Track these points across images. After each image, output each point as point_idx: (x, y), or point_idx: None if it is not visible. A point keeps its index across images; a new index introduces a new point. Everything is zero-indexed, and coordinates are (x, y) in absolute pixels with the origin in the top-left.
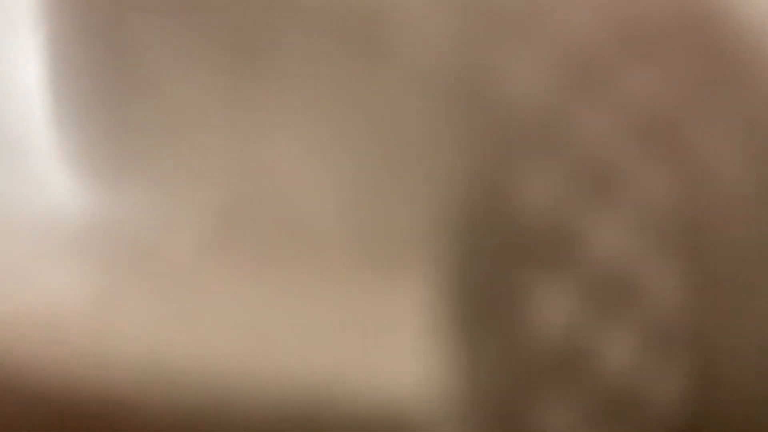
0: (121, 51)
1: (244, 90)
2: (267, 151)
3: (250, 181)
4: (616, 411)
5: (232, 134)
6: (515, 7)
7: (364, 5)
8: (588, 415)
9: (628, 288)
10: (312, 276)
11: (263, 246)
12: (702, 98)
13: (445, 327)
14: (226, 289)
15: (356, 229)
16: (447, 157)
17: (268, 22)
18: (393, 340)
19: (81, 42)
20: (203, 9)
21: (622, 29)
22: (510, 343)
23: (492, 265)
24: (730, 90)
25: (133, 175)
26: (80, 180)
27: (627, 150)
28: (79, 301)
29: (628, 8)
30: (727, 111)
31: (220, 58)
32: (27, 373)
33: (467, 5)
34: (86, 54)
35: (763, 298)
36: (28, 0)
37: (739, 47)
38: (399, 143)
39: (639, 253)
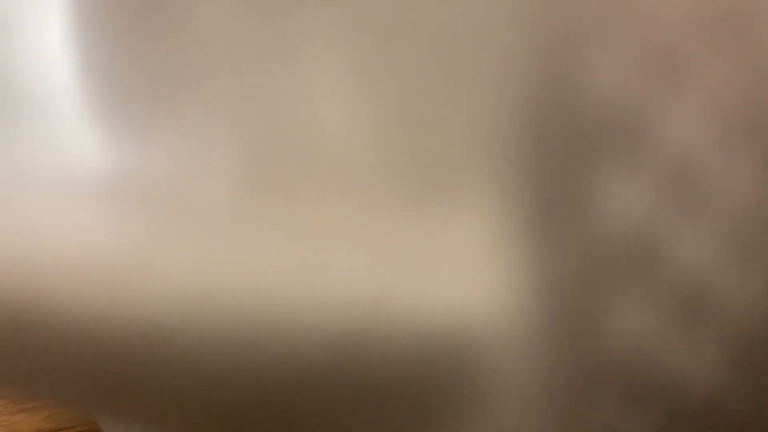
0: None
1: (272, 22)
2: (299, 86)
3: (282, 119)
4: (693, 313)
5: (261, 71)
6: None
7: None
8: (662, 319)
9: (700, 178)
10: (351, 208)
11: (299, 184)
12: None
13: (508, 240)
14: (262, 230)
15: (400, 159)
16: (498, 71)
17: None
18: (452, 261)
19: None
20: None
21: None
22: (578, 248)
23: (557, 164)
24: None
25: (161, 123)
26: (109, 132)
27: (698, 45)
28: (114, 248)
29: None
30: None
31: None
32: (62, 317)
33: None
34: (109, 4)
35: None
36: None
37: None
38: (445, 60)
39: (710, 141)
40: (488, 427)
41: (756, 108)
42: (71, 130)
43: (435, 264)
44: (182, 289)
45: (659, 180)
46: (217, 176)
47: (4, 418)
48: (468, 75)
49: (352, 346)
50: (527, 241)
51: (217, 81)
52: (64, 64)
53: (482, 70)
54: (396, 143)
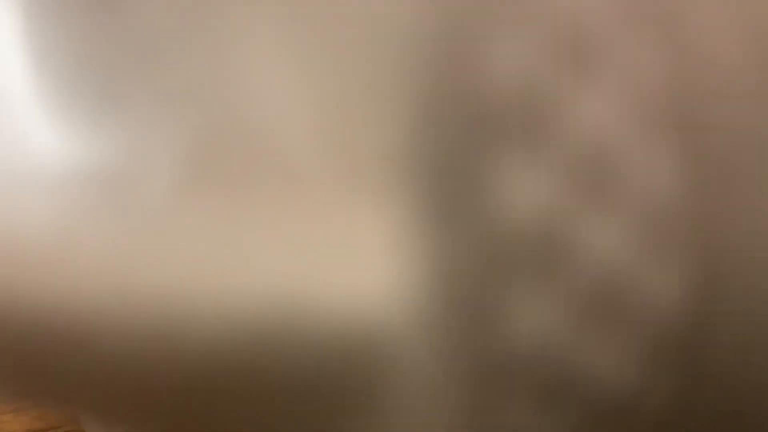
0: None
1: (214, 16)
2: (241, 73)
3: (223, 106)
4: (602, 310)
5: (204, 65)
6: None
7: None
8: (570, 314)
9: (613, 167)
10: (285, 195)
11: (238, 171)
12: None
13: (408, 231)
14: (202, 219)
15: (327, 152)
16: (417, 72)
17: None
18: (363, 255)
19: None
20: None
21: None
22: (481, 237)
23: (458, 152)
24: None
25: (107, 115)
26: (58, 119)
27: (614, 24)
28: (55, 238)
29: None
30: None
31: None
32: (4, 299)
33: None
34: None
35: (766, 186)
36: None
37: None
38: (371, 59)
39: (626, 129)
40: (388, 426)
41: (675, 93)
42: (19, 123)
43: (338, 258)
44: (117, 282)
45: (567, 169)
46: (160, 165)
47: None
48: (368, 60)
49: (257, 341)
50: (428, 233)
51: (159, 70)
52: (13, 57)
53: (380, 54)
54: (321, 137)
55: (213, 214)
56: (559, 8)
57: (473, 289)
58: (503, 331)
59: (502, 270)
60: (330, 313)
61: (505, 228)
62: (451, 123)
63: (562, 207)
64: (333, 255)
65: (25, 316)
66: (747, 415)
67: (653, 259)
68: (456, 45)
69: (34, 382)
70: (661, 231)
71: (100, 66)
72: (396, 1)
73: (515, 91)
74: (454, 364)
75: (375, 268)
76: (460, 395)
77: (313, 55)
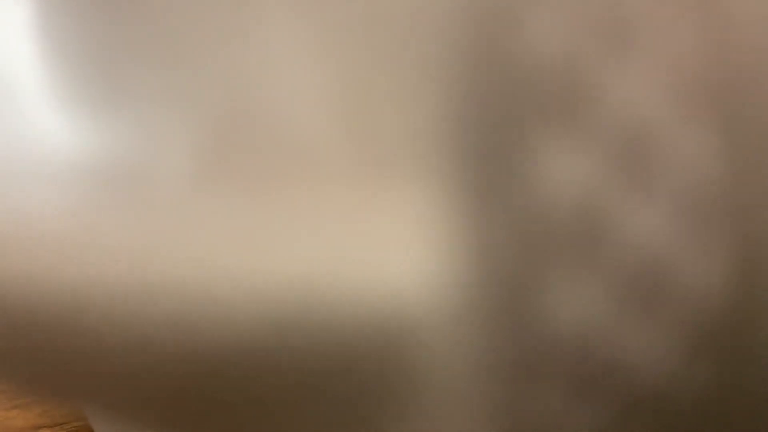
0: None
1: (230, 2)
2: (257, 66)
3: (238, 95)
4: (642, 296)
5: (220, 51)
6: None
7: None
8: (609, 300)
9: (654, 149)
10: (307, 185)
11: (257, 159)
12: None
13: (445, 215)
14: (218, 210)
15: (351, 135)
16: (442, 55)
17: None
18: (392, 244)
19: None
20: None
21: None
22: (517, 221)
23: (495, 133)
24: None
25: (122, 104)
26: (70, 112)
27: (656, 1)
28: (73, 227)
29: None
30: None
31: None
32: (14, 293)
33: None
34: None
35: None
36: None
37: None
38: (394, 42)
39: (668, 110)
40: (422, 415)
41: (715, 74)
42: (32, 113)
43: (364, 247)
44: (136, 270)
45: (607, 150)
46: (176, 153)
47: None
48: (406, 43)
49: (292, 326)
50: (461, 219)
51: (175, 56)
52: (25, 47)
53: (419, 36)
54: (343, 120)
55: (231, 205)
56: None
57: (509, 275)
58: (539, 318)
59: (539, 255)
60: (358, 303)
61: (541, 212)
62: (485, 103)
63: (601, 190)
64: (359, 244)
65: (35, 310)
66: None
67: (694, 244)
68: (491, 22)
69: (42, 377)
70: (703, 215)
71: (112, 58)
72: None
73: (553, 69)
74: (489, 352)
75: (405, 257)
76: (495, 384)
77: (334, 38)
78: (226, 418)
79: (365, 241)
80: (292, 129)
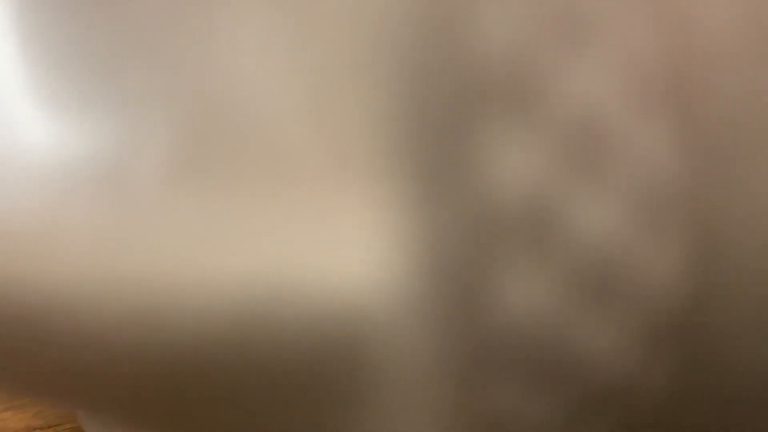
0: None
1: (200, 5)
2: (231, 60)
3: (212, 97)
4: (597, 291)
5: (190, 49)
6: None
7: None
8: (563, 294)
9: (608, 142)
10: (274, 182)
11: (227, 161)
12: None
13: (391, 208)
14: (191, 208)
15: (315, 138)
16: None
17: None
18: (351, 238)
19: None
20: None
21: None
22: (471, 216)
23: (443, 122)
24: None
25: (97, 99)
26: (46, 111)
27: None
28: (44, 230)
29: None
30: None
31: None
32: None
33: None
34: None
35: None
36: None
37: None
38: (353, 58)
39: (621, 102)
40: (377, 411)
41: (671, 67)
42: (8, 112)
43: (326, 242)
44: (113, 267)
45: (560, 144)
46: (150, 152)
47: None
48: (352, 42)
49: (246, 329)
50: (416, 213)
51: (151, 63)
52: (2, 47)
53: (364, 34)
54: (310, 118)
55: (202, 203)
56: None
57: (463, 270)
58: (494, 312)
59: (493, 249)
60: (318, 297)
61: (495, 206)
62: (438, 98)
63: (554, 184)
64: (321, 240)
65: (16, 309)
66: (746, 399)
67: (649, 238)
68: (441, 18)
69: (28, 376)
70: (658, 208)
71: (89, 58)
72: None
73: (505, 64)
74: (444, 347)
75: (363, 252)
76: (451, 379)
77: (302, 43)
78: (192, 414)
79: (327, 238)
80: (261, 129)
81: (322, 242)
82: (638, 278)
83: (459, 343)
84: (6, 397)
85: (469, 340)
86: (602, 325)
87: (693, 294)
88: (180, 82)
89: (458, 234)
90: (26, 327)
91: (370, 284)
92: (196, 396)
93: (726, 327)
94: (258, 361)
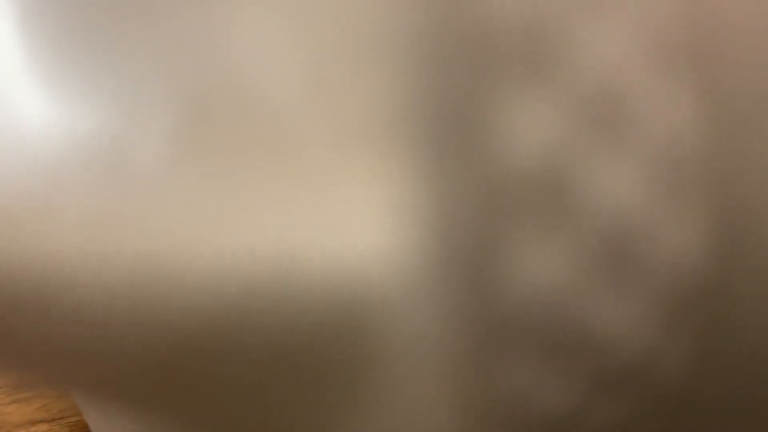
0: None
1: None
2: (232, 36)
3: (214, 70)
4: (614, 263)
5: (192, 22)
6: None
7: None
8: (580, 267)
9: (625, 106)
10: (277, 161)
11: (230, 134)
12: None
13: (413, 184)
14: (194, 183)
15: (320, 110)
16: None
17: None
18: (360, 212)
19: None
20: None
21: None
22: (485, 185)
23: (457, 87)
24: None
25: (101, 81)
26: (45, 88)
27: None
28: (45, 206)
29: None
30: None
31: None
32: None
33: None
34: None
35: None
36: None
37: None
38: (364, 8)
39: (638, 65)
40: (389, 389)
41: (690, 28)
42: (8, 89)
43: (334, 216)
44: (118, 246)
45: (576, 109)
46: (154, 130)
47: None
48: (360, 11)
49: (252, 305)
50: (431, 183)
51: (152, 37)
52: (4, 24)
53: (373, 2)
54: (313, 98)
55: (206, 181)
56: None
57: (476, 242)
58: (508, 286)
59: (507, 219)
60: (327, 272)
61: (510, 174)
62: (450, 65)
63: (571, 150)
64: (329, 213)
65: (17, 290)
66: (765, 380)
67: (668, 207)
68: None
69: (27, 360)
70: (678, 178)
71: (91, 35)
72: None
73: (518, 27)
74: (457, 322)
75: (372, 225)
76: (464, 355)
77: (305, 13)
78: (197, 399)
79: (333, 214)
80: (265, 102)
81: (330, 217)
82: (657, 251)
83: (472, 317)
84: (10, 389)
85: (484, 315)
86: (619, 300)
87: (714, 269)
88: (183, 59)
89: (471, 205)
90: (29, 307)
91: (381, 259)
92: (201, 379)
93: (747, 305)
94: (266, 339)
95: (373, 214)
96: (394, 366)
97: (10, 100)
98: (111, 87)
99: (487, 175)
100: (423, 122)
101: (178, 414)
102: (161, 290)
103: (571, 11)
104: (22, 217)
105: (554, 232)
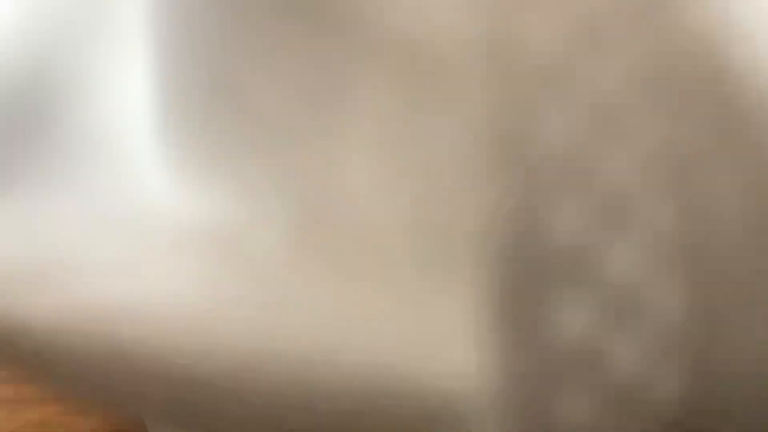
0: (221, 68)
1: (322, 113)
2: (339, 162)
3: (324, 188)
4: (625, 403)
5: (309, 147)
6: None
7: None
8: (601, 407)
9: (636, 303)
10: (374, 272)
11: (335, 245)
12: (709, 141)
13: (485, 329)
14: (302, 281)
15: (415, 238)
16: (491, 188)
17: (348, 61)
18: (442, 337)
19: (185, 57)
20: (293, 46)
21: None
22: (537, 346)
23: (525, 281)
24: (735, 136)
25: (224, 179)
26: (179, 182)
27: (639, 184)
28: (175, 290)
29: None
30: (732, 154)
31: (305, 85)
32: (130, 357)
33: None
34: (189, 69)
35: (757, 316)
36: (138, 15)
37: (745, 99)
38: (453, 169)
39: (646, 275)
40: None
41: (690, 243)
42: (145, 179)
43: (429, 335)
44: (229, 337)
45: (601, 301)
46: (267, 230)
47: (63, 419)
48: (462, 200)
49: (343, 408)
50: (499, 336)
51: (272, 148)
52: (145, 118)
53: (473, 198)
54: (409, 226)
55: (310, 280)
56: (602, 180)
57: (529, 383)
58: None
59: (553, 372)
60: (410, 391)
61: (556, 341)
62: (517, 269)
63: (598, 328)
64: (414, 335)
65: (134, 358)
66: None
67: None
68: (525, 209)
69: (111, 387)
70: (668, 344)
71: (222, 135)
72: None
73: (566, 247)
74: None
75: (455, 351)
76: None
77: (406, 155)
78: None
79: (416, 331)
80: (363, 219)
81: (424, 338)
82: (653, 395)
83: None
84: (78, 400)
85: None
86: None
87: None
88: (299, 175)
89: (528, 359)
90: (132, 365)
91: (466, 381)
92: None
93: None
94: None
95: (458, 336)
96: None
97: (144, 187)
98: (234, 183)
99: (540, 339)
100: (503, 258)
101: None
102: (261, 371)
103: (600, 236)
104: (142, 293)
105: (584, 383)
